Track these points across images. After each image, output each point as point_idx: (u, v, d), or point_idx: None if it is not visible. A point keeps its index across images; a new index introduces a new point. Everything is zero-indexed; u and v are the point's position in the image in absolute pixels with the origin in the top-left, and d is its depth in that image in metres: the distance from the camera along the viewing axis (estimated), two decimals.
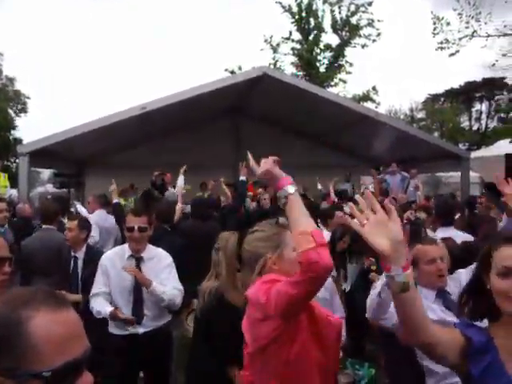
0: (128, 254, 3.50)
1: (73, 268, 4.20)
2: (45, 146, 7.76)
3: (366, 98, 18.83)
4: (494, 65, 16.58)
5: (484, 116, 40.62)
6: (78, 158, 10.95)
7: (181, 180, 7.38)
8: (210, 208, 6.15)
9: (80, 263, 4.21)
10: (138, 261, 3.50)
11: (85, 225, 4.34)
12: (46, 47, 65.51)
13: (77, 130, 7.87)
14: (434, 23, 15.58)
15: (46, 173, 15.07)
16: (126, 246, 3.59)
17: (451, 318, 2.50)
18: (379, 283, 2.61)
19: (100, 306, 3.35)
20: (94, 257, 4.05)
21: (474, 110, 41.43)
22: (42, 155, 8.07)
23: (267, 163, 2.00)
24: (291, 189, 1.82)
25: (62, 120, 49.29)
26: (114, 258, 3.52)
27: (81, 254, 4.24)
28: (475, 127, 40.86)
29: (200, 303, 3.07)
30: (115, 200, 5.92)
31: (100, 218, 6.20)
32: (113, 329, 3.47)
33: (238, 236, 2.14)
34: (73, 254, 4.26)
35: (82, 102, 62.60)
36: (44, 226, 4.72)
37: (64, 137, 7.84)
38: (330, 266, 1.61)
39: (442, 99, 41.80)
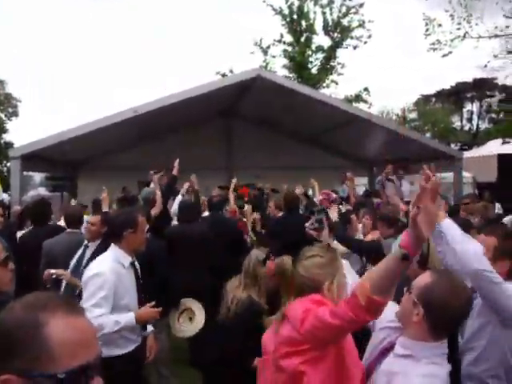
0: (128, 262, 3.25)
1: (79, 256, 4.25)
2: (36, 149, 7.72)
3: (358, 99, 18.89)
4: (486, 66, 16.72)
5: (475, 116, 40.97)
6: (70, 161, 10.89)
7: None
8: (198, 211, 5.94)
9: (88, 253, 4.24)
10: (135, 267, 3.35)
11: (106, 220, 4.37)
12: (37, 49, 65.30)
13: (69, 133, 7.83)
14: (426, 24, 15.69)
15: (38, 176, 14.98)
16: (116, 253, 3.22)
17: None
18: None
19: (117, 317, 3.00)
20: (103, 249, 4.02)
21: (465, 110, 41.78)
22: (34, 159, 8.03)
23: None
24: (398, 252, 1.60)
25: (54, 123, 49.12)
26: (117, 269, 3.15)
27: (93, 245, 4.29)
28: (467, 127, 41.17)
29: (224, 308, 3.17)
30: (105, 209, 5.35)
31: None
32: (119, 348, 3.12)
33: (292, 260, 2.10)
34: (85, 242, 4.32)
35: (73, 104, 62.34)
36: (69, 230, 4.71)
37: (56, 140, 7.79)
38: (365, 323, 1.69)
39: (434, 100, 42.09)
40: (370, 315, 1.62)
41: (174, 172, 6.13)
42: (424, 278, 1.87)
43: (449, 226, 2.36)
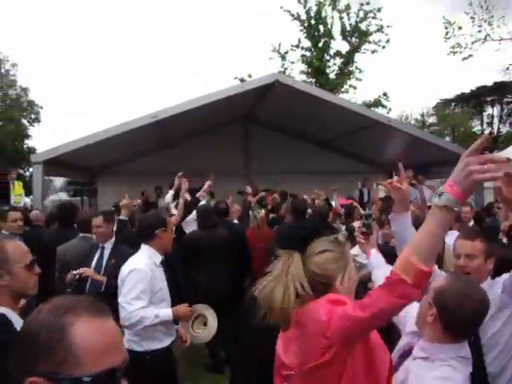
0: (159, 260, 3.44)
1: (98, 258, 4.31)
2: (58, 154, 7.85)
3: (376, 103, 18.75)
4: (507, 69, 16.44)
5: (496, 120, 40.32)
6: (91, 166, 11.04)
7: (169, 196, 7.05)
8: (216, 215, 5.98)
9: (106, 253, 4.32)
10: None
11: (110, 217, 4.44)
12: (58, 57, 66.31)
13: (89, 139, 7.94)
14: (446, 27, 15.50)
15: (58, 181, 15.20)
16: (148, 251, 3.42)
17: None
18: None
19: (156, 311, 3.20)
20: (121, 248, 4.24)
21: (485, 114, 41.14)
22: (56, 164, 8.16)
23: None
24: (448, 200, 1.52)
25: (75, 129, 49.87)
26: (151, 266, 3.36)
27: (109, 245, 4.35)
28: (487, 131, 40.54)
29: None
30: (122, 216, 5.31)
31: None
32: (156, 342, 3.30)
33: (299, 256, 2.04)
34: (100, 244, 4.37)
35: (94, 110, 63.24)
36: (81, 235, 4.77)
37: (77, 146, 7.91)
38: (406, 304, 1.61)
39: (453, 104, 41.55)
40: (422, 290, 1.57)
41: (203, 191, 6.51)
42: (439, 281, 1.97)
43: None
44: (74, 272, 3.96)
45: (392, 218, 2.47)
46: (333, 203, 7.72)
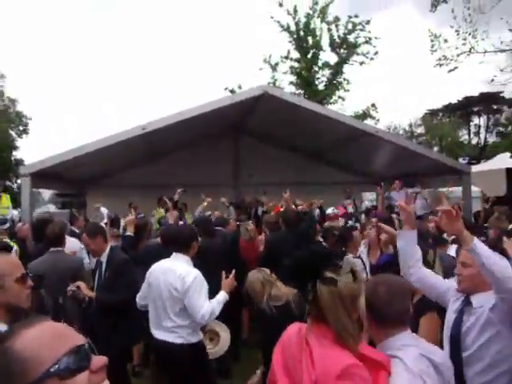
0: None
1: (98, 272, 4.32)
2: (46, 166, 7.78)
3: (365, 114, 18.94)
4: (492, 80, 16.71)
5: (483, 130, 40.88)
6: (80, 178, 10.97)
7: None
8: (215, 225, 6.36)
9: (104, 266, 4.31)
10: None
11: (94, 231, 4.36)
12: (46, 68, 66.19)
13: (78, 151, 7.88)
14: (432, 40, 15.75)
15: (46, 193, 15.09)
16: (185, 259, 3.97)
17: (449, 322, 2.68)
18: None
19: (216, 300, 3.86)
20: (115, 259, 4.28)
21: (472, 124, 41.71)
22: (44, 176, 8.09)
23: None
24: None
25: (63, 141, 49.62)
26: None
27: (104, 257, 4.33)
28: (474, 141, 41.07)
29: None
30: (129, 233, 5.40)
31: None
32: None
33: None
34: (98, 258, 4.39)
35: (82, 122, 63.02)
36: (52, 249, 4.68)
37: (65, 158, 7.84)
38: None
39: (441, 114, 42.08)
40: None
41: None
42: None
43: (481, 246, 2.38)
44: (70, 288, 3.95)
45: (399, 234, 2.89)
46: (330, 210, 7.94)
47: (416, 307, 3.12)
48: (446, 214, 2.46)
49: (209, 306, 3.76)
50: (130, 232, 5.37)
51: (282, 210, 8.03)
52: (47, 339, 0.97)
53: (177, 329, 3.79)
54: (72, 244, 5.70)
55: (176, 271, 3.82)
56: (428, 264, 3.44)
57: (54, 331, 1.00)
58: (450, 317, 2.70)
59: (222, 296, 3.91)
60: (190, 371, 3.79)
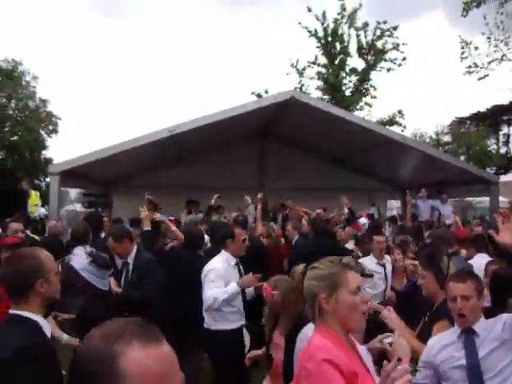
0: (234, 262, 4.44)
1: (125, 274, 4.37)
2: (75, 166, 7.94)
3: (391, 122, 18.72)
4: None
5: None
6: (107, 178, 11.16)
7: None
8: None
9: (130, 267, 4.34)
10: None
11: (118, 234, 4.37)
12: (77, 69, 67.56)
13: (106, 152, 8.03)
14: (462, 47, 15.48)
15: (73, 192, 15.36)
16: (224, 255, 4.41)
17: (461, 360, 2.53)
18: None
19: (225, 289, 4.06)
20: (141, 260, 4.34)
21: (501, 133, 40.80)
22: (72, 175, 8.25)
23: None
24: None
25: (92, 141, 50.53)
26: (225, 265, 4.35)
27: (131, 259, 4.36)
28: (503, 151, 40.16)
29: None
30: (146, 228, 5.35)
31: None
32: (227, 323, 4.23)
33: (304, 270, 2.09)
34: (124, 260, 4.42)
35: (111, 123, 64.00)
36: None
37: (93, 158, 8.00)
38: None
39: (469, 122, 41.29)
40: None
41: None
42: None
43: None
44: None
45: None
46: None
47: (433, 314, 3.15)
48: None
49: (213, 293, 4.03)
50: (146, 227, 5.31)
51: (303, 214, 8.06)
52: (155, 371, 0.88)
53: (205, 313, 4.30)
54: None
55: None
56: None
57: (165, 363, 0.91)
58: (456, 355, 2.57)
59: (233, 287, 4.08)
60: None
